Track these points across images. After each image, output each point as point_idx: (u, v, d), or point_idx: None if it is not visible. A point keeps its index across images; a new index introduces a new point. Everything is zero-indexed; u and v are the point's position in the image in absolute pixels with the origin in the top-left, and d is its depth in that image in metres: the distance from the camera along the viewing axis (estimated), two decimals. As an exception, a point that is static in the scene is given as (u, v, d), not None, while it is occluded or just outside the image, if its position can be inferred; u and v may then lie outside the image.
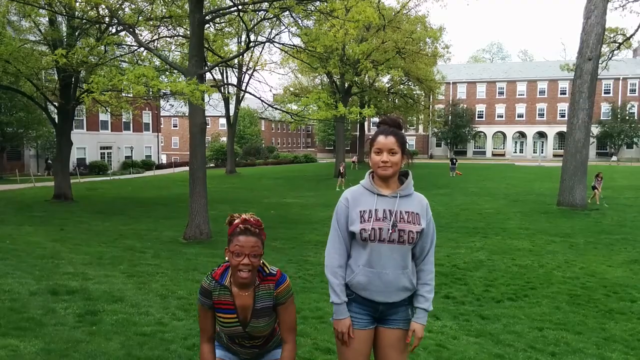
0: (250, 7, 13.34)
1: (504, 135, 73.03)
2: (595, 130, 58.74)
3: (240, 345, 2.73)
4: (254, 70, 37.21)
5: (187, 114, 15.98)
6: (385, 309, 2.77)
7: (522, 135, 72.00)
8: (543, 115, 70.08)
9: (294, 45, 17.29)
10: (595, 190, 19.77)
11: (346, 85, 36.22)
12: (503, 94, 71.59)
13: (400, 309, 2.79)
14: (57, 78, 20.39)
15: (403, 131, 2.82)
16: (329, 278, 2.76)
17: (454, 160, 39.30)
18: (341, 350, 2.79)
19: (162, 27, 18.22)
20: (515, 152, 73.01)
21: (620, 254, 10.91)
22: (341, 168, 29.40)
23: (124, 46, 20.70)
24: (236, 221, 2.55)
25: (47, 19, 19.60)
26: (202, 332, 2.68)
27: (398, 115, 46.33)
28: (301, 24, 16.76)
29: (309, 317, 5.88)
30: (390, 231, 2.68)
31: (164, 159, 62.01)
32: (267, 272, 2.63)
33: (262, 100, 17.10)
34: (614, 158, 60.16)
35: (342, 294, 2.73)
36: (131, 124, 49.42)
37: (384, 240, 2.68)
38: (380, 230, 2.68)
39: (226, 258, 2.58)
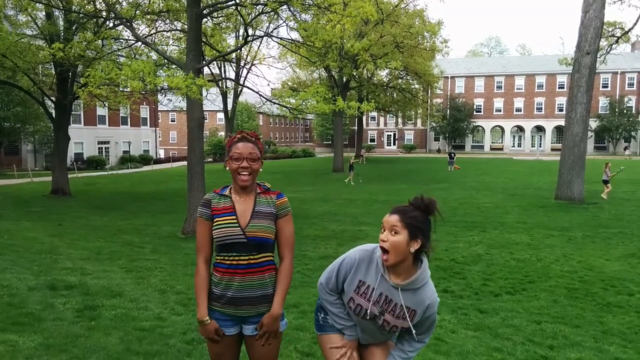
0: (248, 0, 13.30)
1: (502, 129, 73.05)
2: (593, 124, 58.70)
3: (236, 268, 2.60)
4: (252, 64, 37.09)
5: (185, 109, 15.94)
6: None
7: (520, 129, 72.02)
8: (541, 109, 70.09)
9: (292, 40, 17.25)
10: (607, 185, 19.81)
11: (344, 79, 36.16)
12: (501, 88, 71.56)
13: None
14: (54, 72, 20.33)
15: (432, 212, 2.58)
16: (331, 309, 2.64)
17: (452, 154, 39.29)
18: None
19: (160, 21, 18.16)
20: (514, 146, 73.08)
21: (617, 247, 10.94)
22: (351, 160, 29.42)
23: (122, 40, 20.62)
24: (234, 135, 2.70)
25: (44, 13, 19.50)
26: (198, 250, 2.70)
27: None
28: (299, 18, 16.71)
29: (307, 311, 5.89)
30: (375, 316, 2.52)
31: (161, 154, 61.89)
32: (268, 186, 2.75)
33: (260, 95, 17.06)
34: (628, 152, 59.59)
35: (349, 319, 2.63)
36: (129, 119, 49.28)
37: (366, 320, 2.55)
38: (365, 311, 2.51)
39: (227, 168, 2.67)
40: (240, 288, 2.61)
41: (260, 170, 2.68)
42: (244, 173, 2.60)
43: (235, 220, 2.61)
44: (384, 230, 2.41)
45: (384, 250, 2.40)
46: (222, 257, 2.64)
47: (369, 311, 2.50)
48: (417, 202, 2.51)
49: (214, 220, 2.64)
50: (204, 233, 2.67)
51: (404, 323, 2.50)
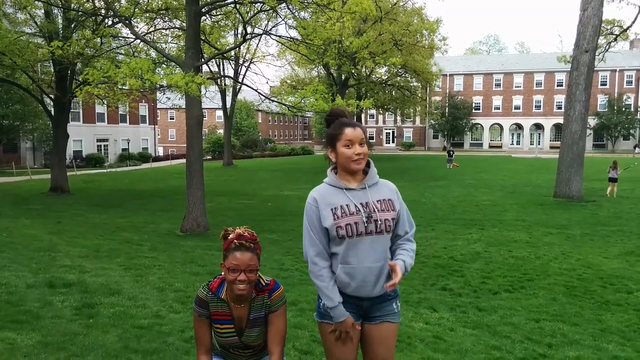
0: (247, -2, 13.27)
1: (501, 127, 73.07)
2: (592, 122, 58.73)
3: (234, 355, 2.72)
4: (251, 62, 37.10)
5: (183, 107, 15.92)
6: (370, 304, 2.71)
7: (519, 127, 72.05)
8: (540, 107, 70.12)
9: (290, 38, 17.22)
10: (613, 183, 19.93)
11: (343, 77, 36.11)
12: (500, 85, 71.56)
13: (385, 304, 2.73)
14: (53, 70, 20.30)
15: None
16: (316, 282, 2.67)
17: (451, 152, 39.25)
18: (332, 350, 2.72)
19: (159, 19, 18.12)
20: (512, 143, 73.09)
21: (616, 245, 10.95)
22: None
23: (120, 38, 20.58)
24: (230, 236, 2.52)
25: (42, 11, 19.47)
26: (199, 344, 2.64)
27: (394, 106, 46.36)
28: (298, 16, 16.68)
29: (306, 309, 5.89)
30: (366, 223, 2.61)
31: (160, 152, 61.83)
32: (264, 284, 2.63)
33: (259, 93, 17.04)
34: (638, 150, 58.87)
35: (334, 295, 2.63)
36: (128, 117, 49.24)
37: (361, 234, 2.61)
38: (356, 224, 2.60)
39: (222, 273, 2.57)
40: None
41: (258, 272, 2.58)
42: (240, 286, 2.48)
43: (233, 330, 2.61)
44: (353, 145, 2.64)
45: (360, 162, 2.65)
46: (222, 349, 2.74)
47: (359, 221, 2.61)
48: (344, 112, 2.81)
49: (213, 324, 2.63)
50: (203, 330, 2.63)
51: (392, 213, 2.69)
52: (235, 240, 2.50)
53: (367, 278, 2.64)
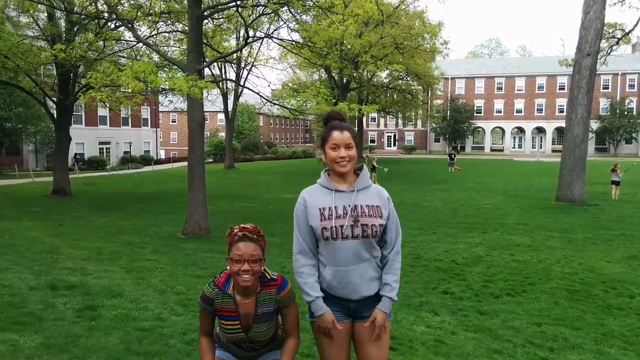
0: (249, 2, 13.31)
1: (503, 130, 73.06)
2: (594, 125, 58.66)
3: (241, 348, 2.75)
4: (253, 65, 37.15)
5: (185, 110, 15.95)
6: (356, 305, 2.74)
7: (521, 130, 72.02)
8: (542, 110, 70.10)
9: (292, 41, 17.26)
10: (614, 186, 20.12)
11: (344, 80, 36.17)
12: (501, 89, 71.58)
13: (374, 304, 2.75)
14: (55, 73, 20.34)
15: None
16: (296, 279, 2.74)
17: (453, 155, 39.18)
18: (322, 348, 2.78)
19: (161, 23, 18.17)
20: (514, 147, 73.06)
21: (618, 249, 10.92)
22: (374, 162, 29.62)
23: (123, 41, 20.65)
24: (235, 230, 2.59)
25: (45, 14, 19.53)
26: (201, 328, 2.73)
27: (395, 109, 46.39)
28: (300, 19, 16.72)
29: (307, 312, 5.88)
30: (353, 227, 2.62)
31: (162, 154, 61.94)
32: (269, 278, 2.66)
33: (260, 96, 17.07)
34: None
35: (312, 291, 2.69)
36: (130, 119, 49.34)
37: (347, 237, 2.63)
38: (341, 227, 2.63)
39: (227, 267, 2.60)
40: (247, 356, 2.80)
41: (263, 269, 2.63)
42: (245, 276, 2.52)
43: (239, 326, 2.64)
44: (338, 148, 2.65)
45: (345, 165, 2.66)
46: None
47: (345, 224, 2.63)
48: (341, 116, 2.82)
49: (219, 320, 2.67)
50: (206, 320, 2.70)
51: (379, 220, 2.68)
52: (239, 232, 2.56)
53: (352, 280, 2.68)
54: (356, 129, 55.20)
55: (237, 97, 41.68)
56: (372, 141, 78.14)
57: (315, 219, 2.66)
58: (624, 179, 21.08)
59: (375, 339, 2.74)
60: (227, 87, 40.36)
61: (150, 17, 16.38)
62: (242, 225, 2.60)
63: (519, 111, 71.15)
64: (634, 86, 66.25)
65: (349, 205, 2.65)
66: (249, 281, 2.52)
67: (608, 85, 66.76)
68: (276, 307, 2.66)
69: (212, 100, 38.68)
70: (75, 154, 42.74)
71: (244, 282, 2.51)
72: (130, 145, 49.51)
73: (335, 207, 2.66)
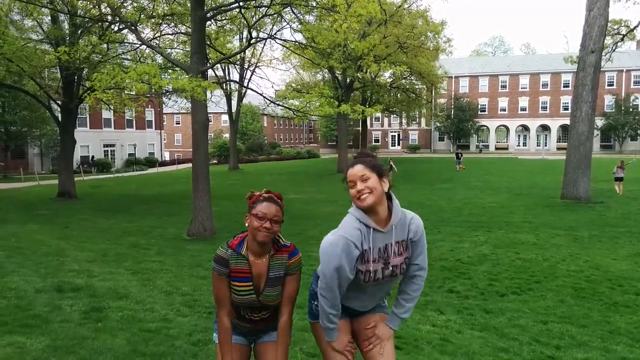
0: (252, 3, 13.31)
1: (507, 128, 72.86)
2: (599, 122, 58.48)
3: (249, 320, 2.76)
4: (256, 66, 37.20)
5: (189, 111, 15.98)
6: (360, 313, 2.79)
7: (525, 128, 71.82)
8: (546, 108, 69.86)
9: (295, 41, 17.26)
10: (618, 182, 20.30)
11: (348, 80, 36.13)
12: (505, 87, 71.39)
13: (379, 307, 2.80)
14: (60, 76, 20.43)
15: (375, 157, 2.61)
16: (324, 323, 2.64)
17: (459, 154, 39.13)
18: (325, 350, 2.75)
19: (164, 25, 18.22)
20: (519, 145, 72.84)
21: (624, 247, 10.88)
22: (390, 162, 29.72)
23: (126, 44, 20.71)
24: (258, 193, 2.70)
25: (49, 18, 19.61)
26: (220, 305, 2.71)
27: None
28: (302, 19, 16.73)
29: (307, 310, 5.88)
30: (384, 269, 2.54)
31: (166, 156, 62.07)
32: (282, 243, 2.73)
33: (264, 97, 17.09)
34: None
35: (335, 319, 2.63)
36: (134, 122, 49.53)
37: (378, 281, 2.57)
38: (375, 272, 2.53)
39: (246, 224, 2.66)
40: (253, 329, 2.83)
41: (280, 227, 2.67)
42: (265, 232, 2.58)
43: (252, 288, 2.67)
44: (355, 184, 2.47)
45: (364, 196, 2.45)
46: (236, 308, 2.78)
47: (378, 270, 2.53)
48: (364, 153, 2.62)
49: (232, 282, 2.68)
50: (223, 288, 2.68)
51: (405, 254, 2.58)
52: (264, 194, 2.68)
53: (363, 304, 2.73)
54: (360, 128, 55.14)
55: (240, 98, 41.76)
56: (377, 141, 78.10)
57: (354, 263, 2.49)
58: (628, 176, 21.06)
59: (368, 348, 2.73)
60: (230, 88, 40.43)
61: (153, 19, 16.43)
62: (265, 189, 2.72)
63: (523, 109, 70.93)
64: (638, 83, 65.92)
65: (380, 247, 2.52)
66: (266, 237, 2.59)
67: (613, 82, 66.50)
68: (284, 272, 2.70)
69: (216, 102, 38.76)
70: (92, 156, 43.73)
71: (263, 237, 2.58)
72: (134, 147, 49.68)
73: (372, 248, 2.50)
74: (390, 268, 2.54)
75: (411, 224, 2.56)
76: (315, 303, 2.72)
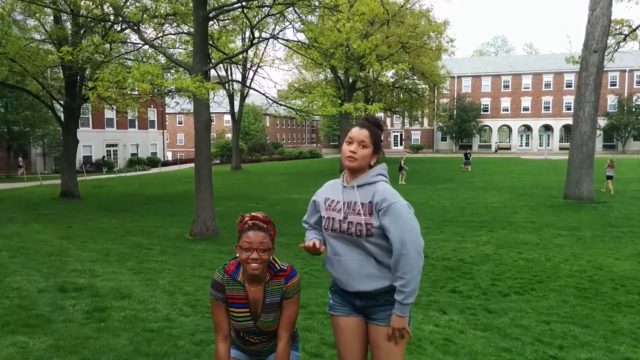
0: (254, 3, 13.31)
1: (510, 128, 72.76)
2: (601, 122, 58.35)
3: (249, 342, 2.75)
4: (259, 66, 37.20)
5: (192, 111, 15.99)
6: (364, 304, 2.70)
7: (528, 128, 71.70)
8: (549, 108, 69.75)
9: (298, 41, 17.25)
10: (609, 180, 20.82)
11: (350, 80, 36.13)
12: (508, 87, 71.29)
13: (382, 309, 2.67)
14: (62, 76, 20.46)
15: (383, 132, 2.81)
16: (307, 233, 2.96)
17: (468, 154, 38.97)
18: (337, 346, 2.82)
19: (167, 25, 18.23)
20: (521, 145, 72.74)
21: (627, 247, 10.86)
22: (402, 162, 29.73)
23: (129, 44, 20.73)
24: (245, 218, 2.61)
25: (52, 18, 19.64)
26: (218, 330, 2.67)
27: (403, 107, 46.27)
28: (305, 19, 16.72)
29: (315, 312, 5.89)
30: (341, 222, 2.68)
31: (169, 156, 62.15)
32: (278, 268, 2.68)
33: (266, 97, 17.08)
34: None
35: (305, 226, 3.00)
36: (136, 122, 49.56)
37: (335, 231, 2.70)
38: (333, 220, 2.72)
39: (237, 254, 2.61)
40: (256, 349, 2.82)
41: (272, 258, 2.65)
42: (253, 264, 2.53)
43: (249, 314, 2.64)
44: (352, 143, 2.67)
45: (352, 159, 2.67)
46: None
47: (336, 219, 2.70)
48: (375, 120, 2.79)
49: (229, 308, 2.66)
50: (219, 313, 2.66)
51: (367, 218, 2.61)
52: (249, 221, 2.58)
53: (345, 270, 2.71)
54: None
55: (243, 98, 41.77)
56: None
57: (322, 208, 2.82)
58: (630, 176, 21.06)
59: (389, 341, 2.67)
60: (233, 88, 40.43)
61: (156, 19, 16.44)
62: (253, 213, 2.62)
63: (526, 109, 70.82)
64: (642, 82, 65.80)
65: (349, 201, 2.69)
66: (257, 269, 2.54)
67: (616, 82, 66.36)
68: (281, 297, 2.66)
69: (219, 102, 38.77)
70: (103, 156, 44.21)
71: (253, 270, 2.53)
72: (137, 147, 49.74)
73: (337, 201, 2.73)
74: (346, 224, 2.65)
75: (377, 192, 2.64)
76: (332, 296, 2.88)
